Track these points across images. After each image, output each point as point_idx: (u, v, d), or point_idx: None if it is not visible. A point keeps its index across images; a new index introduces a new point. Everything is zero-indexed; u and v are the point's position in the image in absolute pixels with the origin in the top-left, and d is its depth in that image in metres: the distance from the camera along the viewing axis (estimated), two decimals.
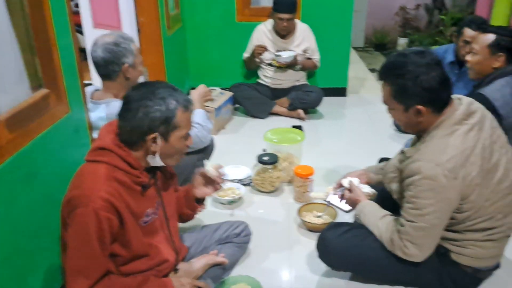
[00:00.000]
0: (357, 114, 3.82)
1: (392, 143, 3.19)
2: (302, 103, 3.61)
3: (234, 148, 3.13)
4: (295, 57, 3.54)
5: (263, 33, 3.69)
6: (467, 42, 2.83)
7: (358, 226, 1.72)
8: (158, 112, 1.30)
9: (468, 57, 2.30)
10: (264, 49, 3.54)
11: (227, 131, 3.46)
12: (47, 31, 1.47)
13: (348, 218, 2.20)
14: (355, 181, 1.87)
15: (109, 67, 1.83)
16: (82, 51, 3.72)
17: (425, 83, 1.42)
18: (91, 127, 1.84)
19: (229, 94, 3.59)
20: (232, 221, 1.90)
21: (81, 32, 3.32)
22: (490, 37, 2.21)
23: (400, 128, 3.30)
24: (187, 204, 1.66)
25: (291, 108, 3.65)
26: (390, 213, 1.68)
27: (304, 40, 3.67)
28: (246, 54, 3.81)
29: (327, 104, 3.77)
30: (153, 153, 1.36)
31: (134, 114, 1.30)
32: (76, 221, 1.24)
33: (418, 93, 1.44)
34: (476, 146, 1.44)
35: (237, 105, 3.79)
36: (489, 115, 1.57)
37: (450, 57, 3.10)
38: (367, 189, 1.86)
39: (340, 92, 4.20)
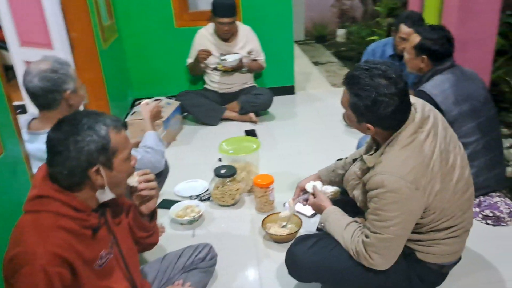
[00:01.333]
0: (307, 112, 3.82)
1: (346, 138, 3.23)
2: (253, 106, 3.55)
3: (188, 161, 3.02)
4: (240, 60, 3.47)
5: (205, 37, 3.58)
6: (403, 39, 2.89)
7: (324, 236, 1.69)
8: (92, 143, 1.20)
9: (404, 54, 2.35)
10: (208, 53, 3.44)
11: (178, 142, 3.33)
12: None
13: (314, 222, 2.17)
14: (318, 185, 1.85)
15: (48, 97, 1.67)
16: (9, 68, 3.47)
17: (379, 111, 1.41)
18: (29, 164, 1.67)
19: (176, 103, 3.46)
20: (195, 244, 1.80)
21: (5, 49, 3.06)
22: (416, 38, 2.26)
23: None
24: (138, 226, 1.53)
25: (242, 112, 3.58)
26: (354, 220, 1.66)
27: (247, 42, 3.60)
28: (189, 60, 3.69)
29: (277, 104, 3.74)
30: (101, 187, 1.25)
31: (66, 155, 1.18)
32: (23, 281, 1.10)
33: (369, 116, 1.44)
34: (434, 152, 1.45)
35: (185, 114, 3.67)
36: (439, 115, 1.58)
37: (389, 51, 3.16)
38: (331, 189, 1.84)
39: (288, 90, 4.19)
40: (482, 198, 2.20)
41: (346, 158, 1.98)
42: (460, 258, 1.69)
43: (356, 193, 1.65)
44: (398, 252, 1.52)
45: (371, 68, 1.45)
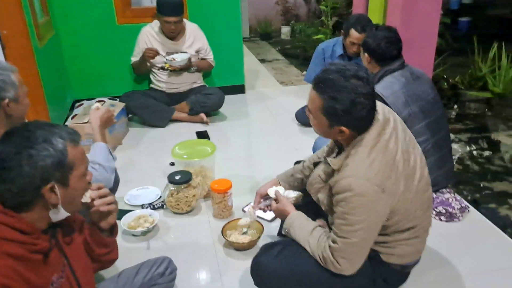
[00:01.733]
0: (259, 111, 3.77)
1: (300, 137, 3.22)
2: (203, 106, 3.44)
3: (137, 166, 2.86)
4: (189, 59, 3.34)
5: (150, 35, 3.41)
6: (354, 43, 2.94)
7: (289, 243, 1.64)
8: (48, 158, 1.07)
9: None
10: (155, 52, 3.28)
11: (124, 147, 3.15)
12: None
13: (275, 227, 2.12)
14: (281, 190, 1.81)
15: None
16: None
17: (357, 113, 1.38)
18: None
19: (121, 105, 3.27)
20: (153, 259, 1.68)
21: None
22: (362, 37, 2.32)
23: (302, 121, 3.36)
24: (97, 243, 1.40)
25: (192, 113, 3.46)
26: (318, 224, 1.63)
27: (195, 41, 3.48)
28: (134, 58, 3.50)
29: (228, 103, 3.64)
30: (55, 206, 1.12)
31: (17, 172, 1.05)
32: None
33: (346, 119, 1.40)
34: (397, 153, 1.45)
35: (130, 116, 3.49)
36: (397, 117, 1.58)
37: (339, 51, 3.19)
38: (294, 194, 1.80)
39: (239, 89, 4.12)
40: (434, 195, 2.26)
41: (304, 161, 1.95)
42: (420, 258, 1.72)
43: (321, 197, 1.62)
44: (364, 256, 1.50)
45: (342, 70, 1.41)
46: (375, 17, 3.56)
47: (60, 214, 1.15)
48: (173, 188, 2.24)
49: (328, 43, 3.29)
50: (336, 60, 3.24)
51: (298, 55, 5.96)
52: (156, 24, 3.42)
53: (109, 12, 3.55)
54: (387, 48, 2.26)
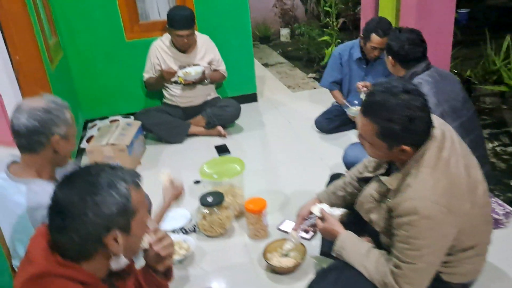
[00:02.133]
0: (274, 120, 3.69)
1: (322, 145, 3.16)
2: (220, 119, 3.36)
3: (160, 187, 2.76)
4: (203, 72, 3.26)
5: (161, 49, 3.33)
6: (375, 48, 2.88)
7: (344, 268, 1.57)
8: (114, 205, 1.00)
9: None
10: (173, 72, 3.20)
11: (144, 167, 3.06)
12: None
13: (315, 245, 2.04)
14: (326, 207, 1.73)
15: (33, 138, 1.45)
16: None
17: (416, 128, 1.32)
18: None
19: (137, 123, 3.19)
20: None
21: None
22: (385, 40, 2.30)
23: (323, 129, 3.28)
24: (150, 285, 1.33)
25: (209, 127, 3.38)
26: (373, 245, 1.56)
27: (207, 52, 3.41)
28: (146, 75, 3.42)
29: (242, 113, 3.55)
30: (116, 254, 1.05)
31: (82, 221, 0.97)
32: None
33: (406, 137, 1.34)
34: (459, 170, 1.39)
35: (145, 133, 3.41)
36: (450, 128, 1.52)
37: (357, 54, 3.13)
38: (338, 211, 1.73)
39: (251, 98, 4.05)
40: None
41: (344, 176, 1.87)
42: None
43: (374, 217, 1.54)
44: (430, 279, 1.43)
45: (388, 88, 1.35)
46: (387, 17, 3.50)
47: (121, 262, 1.08)
48: (205, 211, 2.17)
49: (345, 46, 3.22)
50: (354, 64, 3.18)
51: (301, 57, 5.89)
52: (166, 37, 3.35)
53: (117, 28, 3.46)
54: (411, 50, 2.22)
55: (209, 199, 2.14)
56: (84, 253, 1.01)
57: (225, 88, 3.90)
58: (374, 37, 2.84)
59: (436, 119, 1.48)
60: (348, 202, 1.82)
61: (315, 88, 4.64)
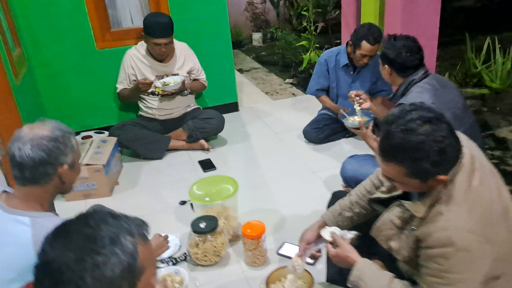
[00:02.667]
0: (259, 130, 3.52)
1: (312, 156, 3.01)
2: (203, 132, 3.15)
3: (142, 209, 2.54)
4: (183, 82, 3.05)
5: (136, 58, 3.10)
6: (365, 55, 2.79)
7: None
8: (117, 265, 0.79)
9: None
10: (150, 82, 2.97)
11: (122, 187, 2.81)
12: None
13: (321, 269, 1.88)
14: (337, 231, 1.57)
15: (39, 170, 1.30)
16: None
17: (446, 157, 1.19)
18: None
19: (112, 140, 2.94)
20: None
21: None
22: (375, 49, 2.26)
23: (313, 140, 3.13)
24: None
25: (190, 140, 3.17)
26: (393, 275, 1.41)
27: (186, 61, 3.20)
28: (120, 86, 3.17)
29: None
30: None
31: (77, 286, 0.76)
32: None
33: (439, 169, 1.20)
34: (491, 192, 1.26)
35: (120, 149, 3.16)
36: (472, 143, 1.40)
37: (343, 60, 3.04)
38: (350, 235, 1.58)
39: (232, 107, 3.86)
40: None
41: (350, 195, 1.72)
42: None
43: (395, 245, 1.39)
44: None
45: (404, 125, 1.19)
46: (369, 21, 3.40)
47: None
48: (198, 238, 1.96)
49: (331, 53, 3.10)
50: (340, 70, 3.07)
51: (276, 62, 5.77)
52: (142, 46, 3.12)
53: (86, 36, 3.20)
54: (408, 58, 2.15)
55: (202, 225, 1.94)
56: None
57: (204, 97, 3.71)
58: (365, 44, 2.74)
59: (460, 136, 1.35)
60: (356, 223, 1.67)
61: (294, 95, 4.52)
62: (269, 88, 4.89)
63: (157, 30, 2.89)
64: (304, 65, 4.79)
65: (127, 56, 3.12)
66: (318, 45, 4.89)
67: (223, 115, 3.34)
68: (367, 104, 2.37)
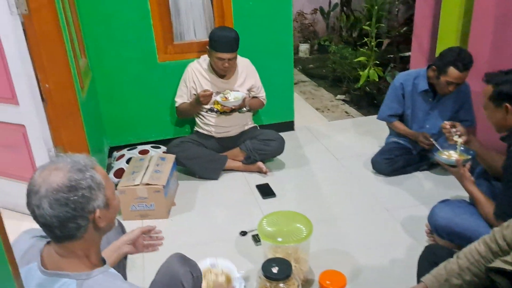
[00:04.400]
0: (318, 154, 3.34)
1: (384, 190, 2.78)
2: (262, 154, 3.02)
3: (200, 237, 2.41)
4: (243, 99, 2.92)
5: (198, 72, 3.00)
6: (451, 83, 2.56)
7: None
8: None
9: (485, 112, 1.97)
10: (210, 94, 2.85)
11: (178, 209, 2.68)
12: None
13: None
14: None
15: (69, 226, 1.07)
16: None
17: None
18: None
19: (171, 158, 2.84)
20: None
21: None
22: (489, 89, 1.89)
23: (383, 172, 2.89)
24: None
25: (248, 162, 3.04)
26: None
27: (247, 78, 3.08)
28: (179, 100, 3.07)
29: None
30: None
31: None
32: None
33: None
34: None
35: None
36: None
37: (423, 85, 2.80)
38: None
39: (288, 126, 3.71)
40: None
41: (458, 257, 1.53)
42: None
43: None
44: None
45: None
46: (449, 41, 3.17)
47: None
48: (269, 284, 1.82)
49: (408, 76, 2.89)
50: (418, 96, 2.86)
51: (325, 76, 5.58)
52: (204, 60, 3.02)
53: (149, 48, 3.12)
54: None
55: (275, 270, 1.79)
56: None
57: (260, 115, 3.57)
58: (453, 71, 2.52)
59: None
60: None
61: (347, 113, 4.33)
62: (319, 103, 4.72)
63: (223, 44, 2.78)
64: (361, 83, 4.58)
65: (189, 70, 3.03)
66: (377, 62, 4.67)
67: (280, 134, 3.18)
68: (464, 138, 2.13)
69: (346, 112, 4.41)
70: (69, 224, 1.06)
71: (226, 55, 2.82)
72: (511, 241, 1.33)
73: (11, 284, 0.77)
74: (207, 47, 2.89)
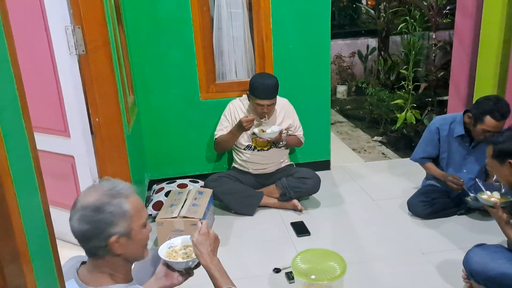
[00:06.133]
0: (353, 194, 3.32)
1: (421, 233, 2.72)
2: (297, 192, 3.04)
3: (235, 272, 2.40)
4: (280, 132, 2.98)
5: (239, 109, 3.12)
6: (487, 131, 2.54)
7: None
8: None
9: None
10: (252, 119, 2.91)
11: None
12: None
13: None
14: None
15: (90, 243, 1.20)
16: None
17: None
18: None
19: (208, 192, 2.91)
20: None
21: None
22: (490, 149, 1.95)
23: (419, 214, 2.83)
24: None
25: (283, 199, 3.07)
26: None
27: (286, 117, 3.16)
28: (219, 133, 3.15)
29: None
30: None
31: None
32: None
33: None
34: None
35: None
36: None
37: (459, 130, 2.78)
38: None
39: (324, 165, 3.73)
40: None
41: None
42: None
43: None
44: None
45: None
46: (486, 87, 3.15)
47: None
48: None
49: (444, 120, 2.88)
50: (454, 140, 2.83)
51: (363, 117, 5.60)
52: (245, 99, 3.14)
53: (193, 87, 3.29)
54: None
55: None
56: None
57: (297, 153, 3.62)
58: (490, 120, 2.50)
59: None
60: None
61: (383, 154, 4.30)
62: (356, 144, 4.71)
63: (262, 92, 2.88)
64: (398, 125, 4.58)
65: (231, 106, 3.15)
66: (415, 105, 4.67)
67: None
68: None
69: (383, 154, 4.38)
70: (90, 242, 1.18)
71: (265, 102, 2.92)
72: None
73: None
74: (247, 92, 3.01)
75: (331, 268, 1.96)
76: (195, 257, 1.47)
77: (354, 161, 4.12)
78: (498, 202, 1.97)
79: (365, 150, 4.51)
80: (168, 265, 1.49)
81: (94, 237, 1.17)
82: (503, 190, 2.15)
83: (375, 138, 4.89)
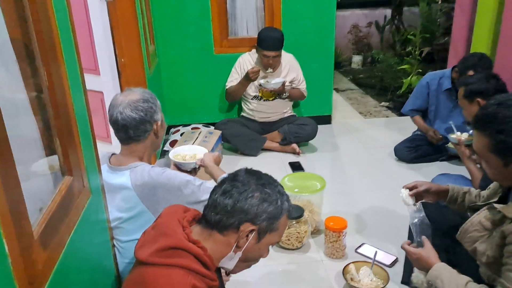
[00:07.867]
0: (349, 143, 3.68)
1: (403, 173, 3.07)
2: (296, 137, 3.41)
3: None
4: (283, 84, 3.33)
5: (248, 62, 3.48)
6: None
7: None
8: (273, 205, 1.12)
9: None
10: (258, 70, 3.27)
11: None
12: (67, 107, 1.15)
13: (399, 272, 1.98)
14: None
15: (140, 128, 1.57)
16: None
17: None
18: (107, 207, 1.51)
19: (217, 132, 3.31)
20: None
21: None
22: (461, 90, 2.23)
23: (404, 158, 3.20)
24: None
25: (284, 143, 3.44)
26: (471, 279, 1.48)
27: (290, 71, 3.50)
28: (230, 84, 3.54)
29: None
30: (239, 249, 1.13)
31: (248, 195, 1.10)
32: None
33: None
34: None
35: (222, 143, 3.52)
36: None
37: (447, 84, 3.06)
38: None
39: (325, 120, 4.07)
40: None
41: (480, 192, 1.77)
42: None
43: (481, 247, 1.44)
44: None
45: (502, 101, 1.31)
46: (480, 49, 3.39)
47: (231, 261, 1.14)
48: None
49: (434, 75, 3.17)
50: (442, 94, 3.11)
51: (374, 85, 5.82)
52: (254, 53, 3.48)
53: (207, 42, 3.66)
54: (492, 83, 2.17)
55: None
56: (220, 225, 1.11)
57: (300, 107, 3.96)
58: (471, 74, 2.77)
59: None
60: (459, 207, 1.71)
61: (387, 117, 4.57)
62: (363, 108, 4.98)
63: (268, 44, 3.22)
64: (403, 89, 4.82)
65: (240, 60, 3.50)
66: (420, 71, 4.90)
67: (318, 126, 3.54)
68: None
69: (387, 117, 4.65)
70: (141, 126, 1.57)
71: (271, 53, 3.26)
72: None
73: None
74: (256, 44, 3.36)
75: (313, 185, 2.34)
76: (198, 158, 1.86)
77: (356, 119, 4.43)
78: (462, 139, 2.29)
79: (371, 114, 4.78)
80: (178, 167, 1.89)
81: (147, 121, 1.55)
82: (471, 132, 2.45)
83: (382, 103, 5.14)
